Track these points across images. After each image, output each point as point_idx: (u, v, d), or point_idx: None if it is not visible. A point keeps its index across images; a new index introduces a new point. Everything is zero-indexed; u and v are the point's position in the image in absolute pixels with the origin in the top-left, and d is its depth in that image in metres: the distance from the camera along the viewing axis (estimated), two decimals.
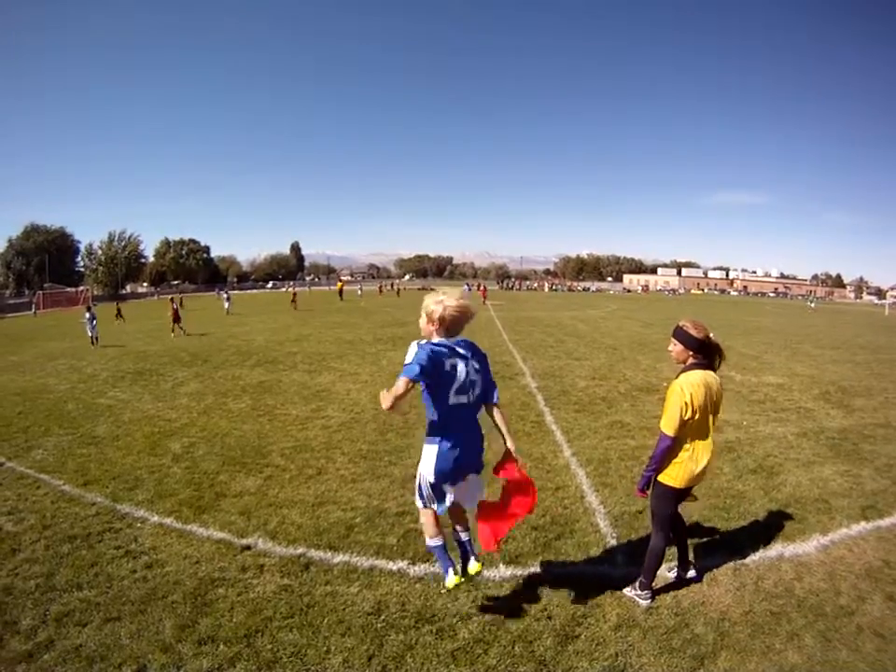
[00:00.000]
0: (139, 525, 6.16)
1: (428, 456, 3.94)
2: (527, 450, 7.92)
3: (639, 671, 3.76)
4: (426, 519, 4.19)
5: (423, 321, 4.02)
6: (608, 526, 5.74)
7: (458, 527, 4.33)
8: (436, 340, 3.91)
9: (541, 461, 7.62)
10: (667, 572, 4.88)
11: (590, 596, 4.52)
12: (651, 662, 3.82)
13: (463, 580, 4.13)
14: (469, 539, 4.30)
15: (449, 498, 4.00)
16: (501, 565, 4.97)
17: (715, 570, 4.98)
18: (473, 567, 4.19)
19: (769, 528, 5.83)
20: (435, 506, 4.05)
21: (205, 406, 11.53)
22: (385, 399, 3.64)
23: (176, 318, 26.13)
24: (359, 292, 61.53)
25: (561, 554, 5.18)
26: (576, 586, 4.64)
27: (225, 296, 40.51)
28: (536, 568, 4.94)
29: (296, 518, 6.02)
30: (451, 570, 4.08)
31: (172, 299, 29.04)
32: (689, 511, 5.67)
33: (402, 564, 5.01)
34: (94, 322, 23.42)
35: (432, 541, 4.21)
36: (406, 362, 3.74)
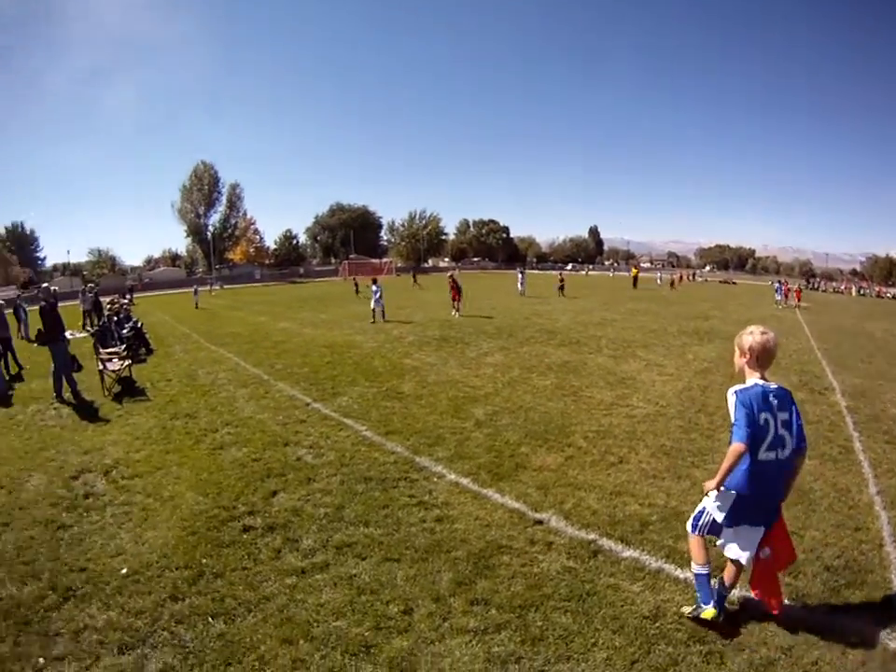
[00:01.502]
0: (435, 479, 6.55)
1: (723, 499, 3.99)
2: (832, 478, 7.06)
3: None
4: (694, 542, 4.22)
5: (736, 355, 4.09)
6: None
7: (726, 579, 4.22)
8: (750, 381, 3.93)
9: (845, 493, 6.76)
10: None
11: (862, 663, 3.96)
12: None
13: (720, 618, 4.05)
14: (725, 597, 4.19)
15: (724, 539, 4.08)
16: (786, 598, 4.51)
17: None
18: (711, 612, 4.10)
19: None
20: (703, 534, 4.13)
21: (510, 378, 11.89)
22: (723, 471, 3.80)
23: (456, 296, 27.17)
24: (658, 281, 59.68)
25: (847, 606, 4.52)
26: (851, 648, 4.07)
27: (520, 276, 40.05)
28: (818, 614, 4.38)
29: (592, 503, 5.94)
30: (712, 603, 4.07)
31: (452, 276, 29.38)
32: None
33: (690, 574, 4.68)
34: (380, 296, 22.70)
35: (698, 568, 4.18)
36: (733, 420, 3.84)
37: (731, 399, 3.91)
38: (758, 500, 3.90)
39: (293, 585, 4.53)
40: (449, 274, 27.65)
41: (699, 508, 4.20)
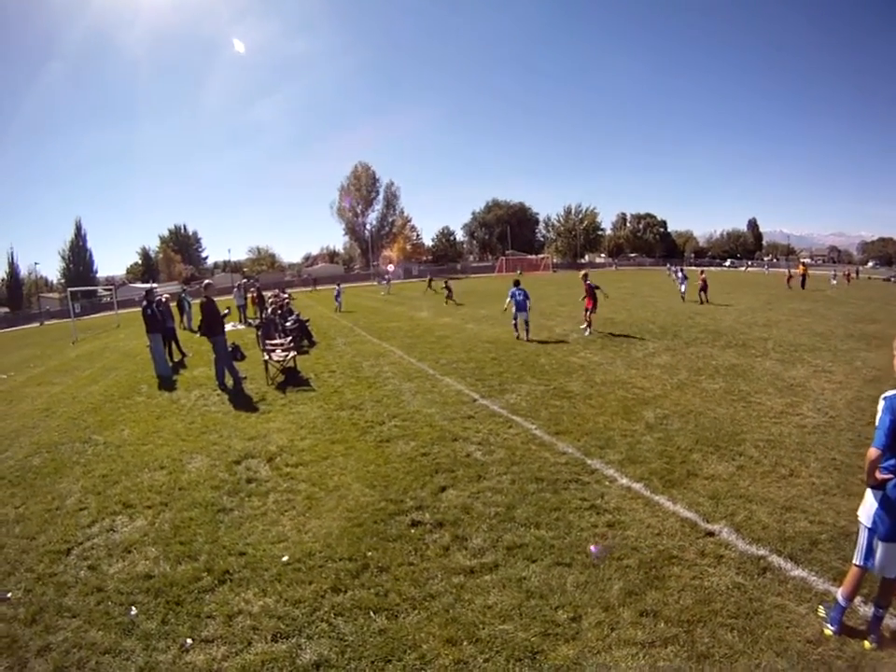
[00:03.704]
0: (607, 483, 6.53)
1: (869, 505, 3.98)
2: None
3: None
4: (851, 573, 4.14)
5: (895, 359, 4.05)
6: None
7: (881, 601, 4.08)
8: None
9: None
10: None
11: None
12: None
13: (836, 637, 4.03)
14: (882, 618, 4.07)
15: (878, 558, 3.95)
16: None
17: None
18: (868, 643, 3.99)
19: None
20: (863, 562, 4.03)
21: (679, 381, 11.66)
22: (867, 476, 3.86)
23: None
24: (833, 280, 55.43)
25: None
26: None
27: (679, 275, 37.25)
28: None
29: (763, 517, 5.74)
30: (836, 625, 4.09)
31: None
32: None
33: (857, 600, 4.50)
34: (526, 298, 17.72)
35: (842, 599, 4.11)
36: (877, 424, 3.81)
37: (880, 405, 3.85)
38: None
39: (460, 585, 4.63)
40: (582, 273, 19.98)
41: (859, 533, 4.12)
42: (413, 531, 5.49)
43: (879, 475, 3.78)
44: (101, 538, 5.75)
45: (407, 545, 5.24)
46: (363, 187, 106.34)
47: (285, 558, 5.10)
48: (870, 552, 3.99)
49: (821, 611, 4.28)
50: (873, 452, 3.74)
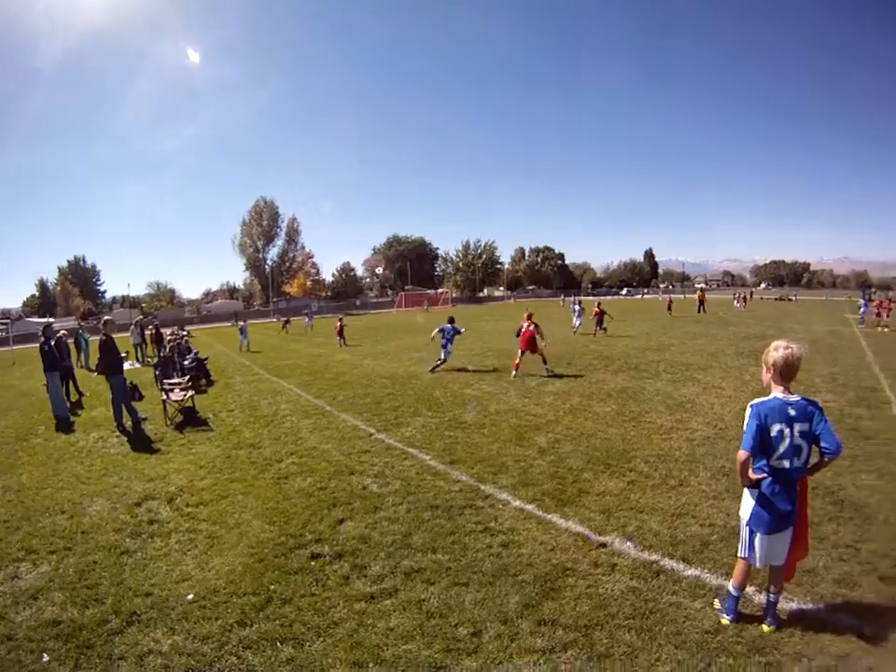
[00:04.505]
0: (500, 506, 6.75)
1: (746, 503, 4.38)
2: (890, 491, 6.99)
3: None
4: (737, 566, 4.53)
5: (763, 371, 4.41)
6: None
7: (773, 587, 4.47)
8: (772, 395, 4.24)
9: None
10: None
11: None
12: None
13: (733, 625, 4.38)
14: (776, 602, 4.46)
15: (758, 552, 4.34)
16: (842, 612, 4.52)
17: None
18: (767, 627, 4.38)
19: None
20: (747, 555, 4.41)
21: (571, 406, 12.02)
22: (741, 477, 4.22)
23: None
24: (737, 303, 58.09)
25: None
26: None
27: (576, 308, 35.14)
28: (874, 625, 4.31)
29: (654, 525, 6.10)
30: (732, 614, 4.46)
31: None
32: None
33: (750, 590, 4.80)
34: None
35: (733, 590, 4.51)
36: (745, 430, 4.18)
37: (748, 412, 4.22)
38: (778, 506, 4.19)
39: (362, 610, 4.69)
40: (528, 313, 17.10)
41: (741, 530, 4.50)
42: (313, 563, 5.53)
43: (753, 475, 4.15)
44: (5, 585, 5.55)
45: (308, 577, 5.28)
46: (265, 221, 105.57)
47: (190, 596, 5.06)
48: (752, 546, 4.34)
49: (717, 604, 4.59)
50: (741, 454, 4.10)
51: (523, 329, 16.58)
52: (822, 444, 4.08)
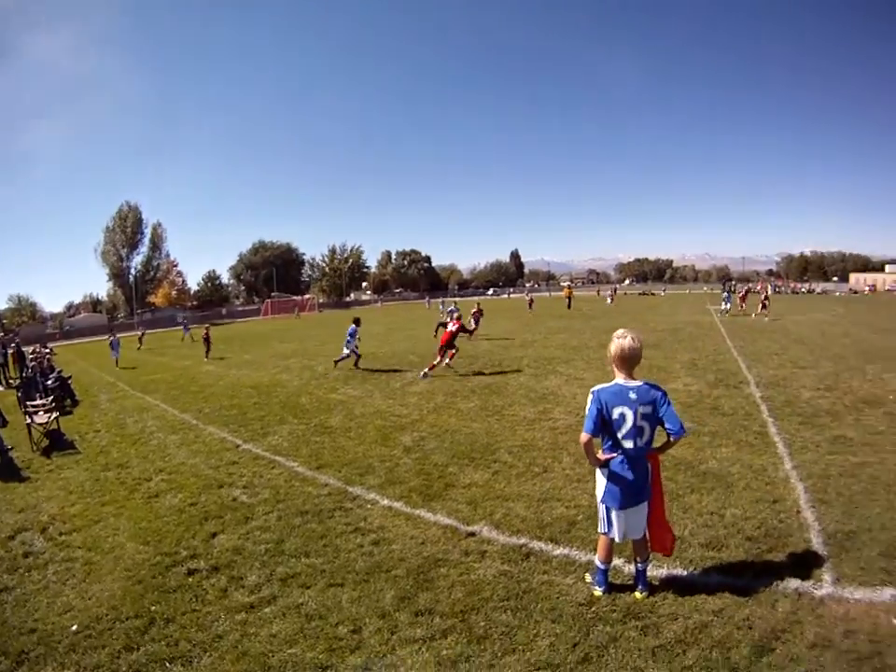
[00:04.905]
0: (369, 506, 6.81)
1: (599, 482, 4.64)
2: (749, 460, 7.73)
3: None
4: (600, 542, 4.77)
5: (607, 359, 4.65)
6: (820, 544, 5.44)
7: (639, 557, 4.73)
8: (613, 381, 4.52)
9: (762, 472, 7.36)
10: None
11: (792, 612, 4.38)
12: None
13: (606, 595, 4.63)
14: (645, 570, 4.73)
15: (616, 527, 4.57)
16: (713, 572, 4.95)
17: None
18: (639, 594, 4.65)
19: None
20: (606, 530, 4.64)
21: (435, 405, 12.29)
22: (589, 458, 4.52)
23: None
24: (609, 300, 60.06)
25: (771, 567, 5.03)
26: (780, 600, 4.52)
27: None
28: (745, 579, 4.83)
29: (521, 511, 6.33)
30: (603, 585, 4.69)
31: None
32: None
33: (618, 562, 5.10)
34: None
35: (600, 564, 4.74)
36: (586, 414, 4.45)
37: (589, 397, 4.49)
38: (626, 485, 4.46)
39: (244, 621, 4.64)
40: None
41: (598, 508, 4.76)
42: (190, 579, 5.41)
43: (603, 456, 4.45)
44: None
45: (187, 593, 5.16)
46: (128, 228, 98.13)
47: (74, 627, 4.83)
48: (610, 521, 4.58)
49: (588, 578, 4.82)
50: (583, 437, 4.36)
51: (447, 329, 16.97)
52: (667, 426, 4.38)
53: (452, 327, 16.94)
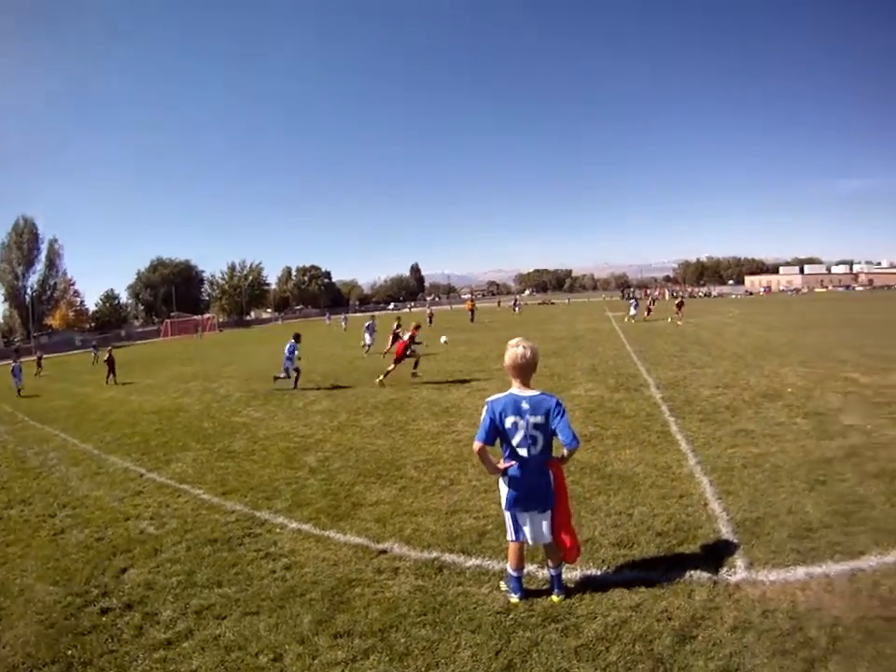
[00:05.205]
0: (278, 530, 6.69)
1: (502, 490, 4.75)
2: (653, 459, 8.08)
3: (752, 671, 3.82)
4: (510, 549, 4.86)
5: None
6: (730, 533, 5.76)
7: (551, 562, 4.80)
8: (508, 392, 4.63)
9: (666, 470, 7.69)
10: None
11: (709, 600, 4.60)
12: (765, 663, 3.83)
13: (523, 602, 4.68)
14: (559, 574, 4.80)
15: (525, 530, 4.68)
16: (626, 570, 5.13)
17: (832, 575, 4.92)
18: (556, 597, 4.72)
19: (890, 534, 5.64)
20: (515, 537, 4.73)
21: (339, 423, 12.19)
22: (486, 466, 4.68)
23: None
24: (516, 309, 61.10)
25: (684, 559, 5.26)
26: (696, 589, 4.73)
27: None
28: (659, 573, 5.03)
29: (430, 525, 6.38)
30: (518, 592, 4.74)
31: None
32: (808, 516, 5.94)
33: (532, 567, 5.20)
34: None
35: (512, 572, 4.81)
36: (480, 423, 4.59)
37: (484, 408, 4.63)
38: (526, 490, 4.58)
39: (163, 658, 4.49)
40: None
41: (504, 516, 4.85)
42: (104, 619, 5.19)
43: (502, 465, 4.57)
44: None
45: (102, 634, 4.95)
46: (24, 245, 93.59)
47: None
48: (517, 527, 4.68)
49: (503, 586, 4.87)
50: (475, 445, 4.56)
51: (399, 339, 18.14)
52: (560, 438, 4.45)
53: (405, 336, 17.93)
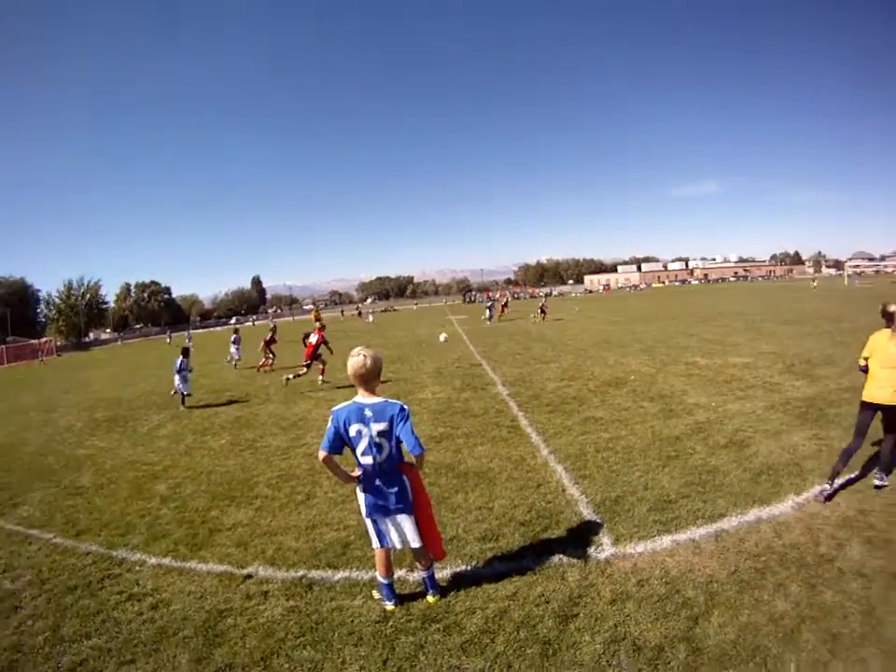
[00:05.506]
0: (138, 568, 6.40)
1: (359, 498, 4.86)
2: (506, 453, 8.46)
3: (639, 637, 4.12)
4: (376, 558, 4.99)
5: None
6: (591, 514, 6.18)
7: (420, 565, 4.99)
8: (353, 400, 4.71)
9: (521, 462, 8.08)
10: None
11: (583, 578, 4.92)
12: (649, 628, 4.19)
13: (398, 608, 4.83)
14: (432, 576, 4.97)
15: (391, 536, 4.81)
16: (496, 562, 5.37)
17: (697, 539, 5.45)
18: (431, 598, 4.90)
19: (745, 496, 6.37)
20: (379, 544, 4.86)
21: (186, 446, 11.81)
22: (336, 474, 4.74)
23: None
24: (370, 318, 61.49)
25: (551, 544, 5.58)
26: (568, 571, 5.05)
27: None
28: (529, 560, 5.32)
29: (292, 543, 6.35)
30: (392, 599, 4.89)
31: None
32: (665, 489, 6.50)
33: (401, 572, 5.36)
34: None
35: (382, 579, 4.93)
36: (325, 433, 4.68)
37: (330, 417, 4.70)
38: (381, 496, 4.69)
39: None
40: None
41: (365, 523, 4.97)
42: None
43: (355, 473, 4.71)
44: None
45: None
46: None
47: None
48: (380, 534, 4.81)
49: (376, 595, 4.99)
50: (320, 454, 4.66)
51: (310, 341, 18.17)
52: (404, 445, 4.57)
53: (313, 339, 18.11)
